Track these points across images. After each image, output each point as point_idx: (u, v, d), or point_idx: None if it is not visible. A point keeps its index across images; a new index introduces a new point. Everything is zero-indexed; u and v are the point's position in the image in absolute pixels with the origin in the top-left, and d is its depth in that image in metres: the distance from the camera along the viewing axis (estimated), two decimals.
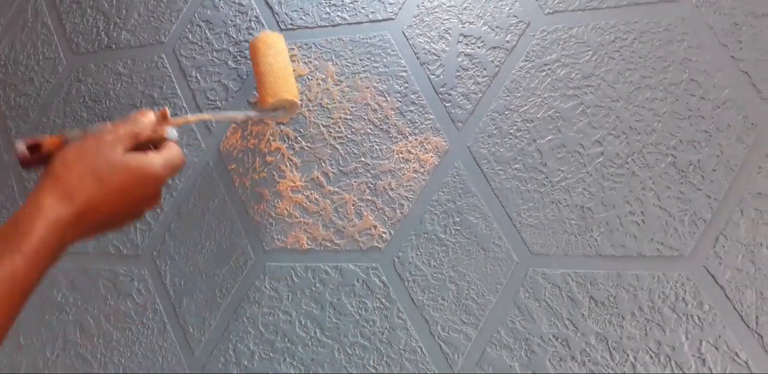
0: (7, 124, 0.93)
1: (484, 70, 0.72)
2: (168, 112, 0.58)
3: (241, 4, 0.85)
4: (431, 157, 0.72)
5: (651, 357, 0.61)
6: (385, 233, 0.71)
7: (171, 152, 0.55)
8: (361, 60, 0.77)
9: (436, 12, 0.75)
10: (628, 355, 0.61)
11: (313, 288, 0.72)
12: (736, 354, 0.59)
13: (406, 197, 0.71)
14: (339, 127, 0.76)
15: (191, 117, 0.63)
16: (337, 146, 0.75)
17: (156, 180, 0.53)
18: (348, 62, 0.77)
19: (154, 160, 0.53)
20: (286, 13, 0.82)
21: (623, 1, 0.69)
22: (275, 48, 0.73)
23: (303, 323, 0.72)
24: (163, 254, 0.80)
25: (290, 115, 0.75)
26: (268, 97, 0.71)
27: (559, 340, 0.63)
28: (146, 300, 0.79)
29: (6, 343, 0.83)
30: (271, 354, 0.72)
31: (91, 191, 0.50)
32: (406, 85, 0.74)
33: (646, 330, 0.61)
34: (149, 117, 0.56)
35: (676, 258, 0.62)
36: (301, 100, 0.78)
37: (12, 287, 0.45)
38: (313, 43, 0.79)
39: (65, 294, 0.82)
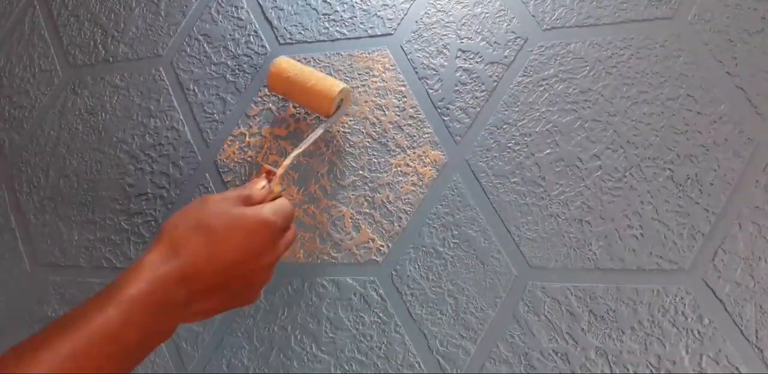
0: (0, 135, 0.92)
1: (483, 84, 0.73)
2: (270, 168, 0.60)
3: (239, 19, 0.85)
4: (429, 170, 0.72)
5: (651, 371, 0.60)
6: (383, 246, 0.71)
7: (278, 201, 0.54)
8: (359, 74, 0.77)
9: (435, 27, 0.76)
10: (628, 369, 0.61)
11: (310, 302, 0.72)
12: (737, 369, 0.58)
13: (405, 210, 0.71)
14: (337, 141, 0.76)
15: (286, 160, 0.64)
16: (335, 160, 0.75)
17: (266, 226, 0.50)
18: (346, 76, 0.78)
19: (263, 207, 0.51)
20: (285, 28, 0.82)
21: (620, 17, 0.70)
22: (294, 65, 0.73)
23: (299, 338, 0.71)
24: None
25: (349, 104, 0.75)
26: (327, 98, 0.70)
27: (559, 355, 0.63)
28: None
29: None
30: (265, 369, 0.71)
31: (197, 246, 0.46)
32: (405, 99, 0.75)
33: (646, 344, 0.61)
34: (260, 183, 0.56)
35: (675, 271, 0.62)
36: (298, 114, 0.78)
37: (107, 342, 0.40)
38: (312, 58, 0.80)
39: (56, 308, 0.81)
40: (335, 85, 0.70)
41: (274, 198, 0.58)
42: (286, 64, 0.72)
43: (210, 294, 0.48)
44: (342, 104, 0.73)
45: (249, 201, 0.53)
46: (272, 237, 0.51)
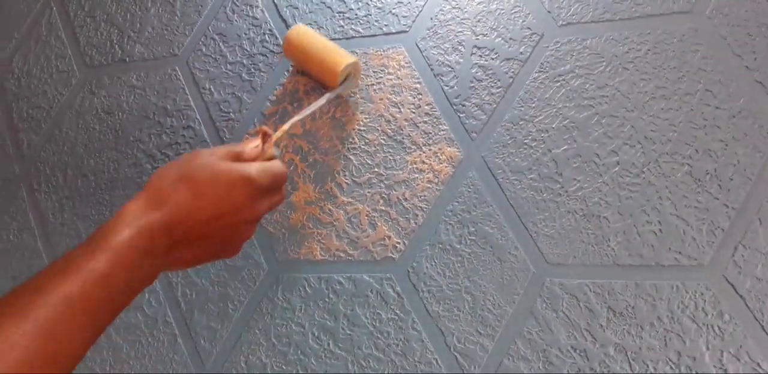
0: (19, 136, 0.93)
1: (498, 81, 0.72)
2: (266, 129, 0.59)
3: (255, 18, 0.85)
4: (445, 167, 0.72)
5: (671, 368, 0.60)
6: (399, 243, 0.71)
7: (269, 162, 0.54)
8: (374, 72, 0.77)
9: (450, 24, 0.76)
10: (648, 366, 0.60)
11: (327, 300, 0.72)
12: (758, 365, 0.58)
13: (421, 207, 0.71)
14: (353, 139, 0.76)
15: (285, 125, 0.63)
16: (350, 157, 0.75)
17: (248, 183, 0.50)
18: (362, 74, 0.78)
19: (250, 166, 0.51)
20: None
21: (636, 12, 0.70)
22: (310, 34, 0.75)
23: (316, 335, 0.71)
24: None
25: (358, 78, 0.76)
26: (334, 68, 0.72)
27: (578, 351, 0.63)
28: (157, 312, 0.78)
29: None
30: (283, 366, 0.71)
31: (180, 197, 0.47)
32: (420, 96, 0.75)
33: (665, 340, 0.61)
34: (254, 142, 0.57)
35: (694, 267, 0.62)
36: (314, 112, 0.78)
37: (98, 286, 0.41)
38: None
39: None
40: (342, 60, 0.72)
41: (267, 160, 0.56)
42: (301, 32, 0.75)
43: (190, 245, 0.49)
44: (350, 77, 0.74)
45: (238, 158, 0.53)
46: (252, 194, 0.51)
